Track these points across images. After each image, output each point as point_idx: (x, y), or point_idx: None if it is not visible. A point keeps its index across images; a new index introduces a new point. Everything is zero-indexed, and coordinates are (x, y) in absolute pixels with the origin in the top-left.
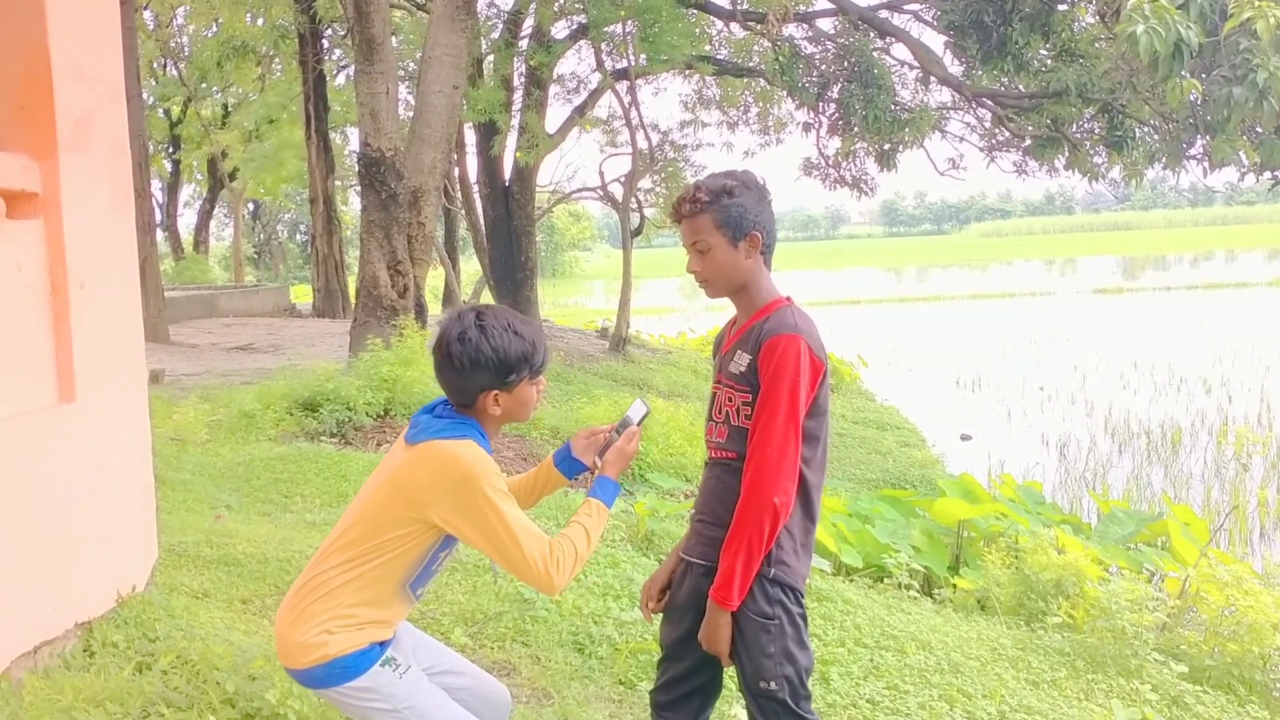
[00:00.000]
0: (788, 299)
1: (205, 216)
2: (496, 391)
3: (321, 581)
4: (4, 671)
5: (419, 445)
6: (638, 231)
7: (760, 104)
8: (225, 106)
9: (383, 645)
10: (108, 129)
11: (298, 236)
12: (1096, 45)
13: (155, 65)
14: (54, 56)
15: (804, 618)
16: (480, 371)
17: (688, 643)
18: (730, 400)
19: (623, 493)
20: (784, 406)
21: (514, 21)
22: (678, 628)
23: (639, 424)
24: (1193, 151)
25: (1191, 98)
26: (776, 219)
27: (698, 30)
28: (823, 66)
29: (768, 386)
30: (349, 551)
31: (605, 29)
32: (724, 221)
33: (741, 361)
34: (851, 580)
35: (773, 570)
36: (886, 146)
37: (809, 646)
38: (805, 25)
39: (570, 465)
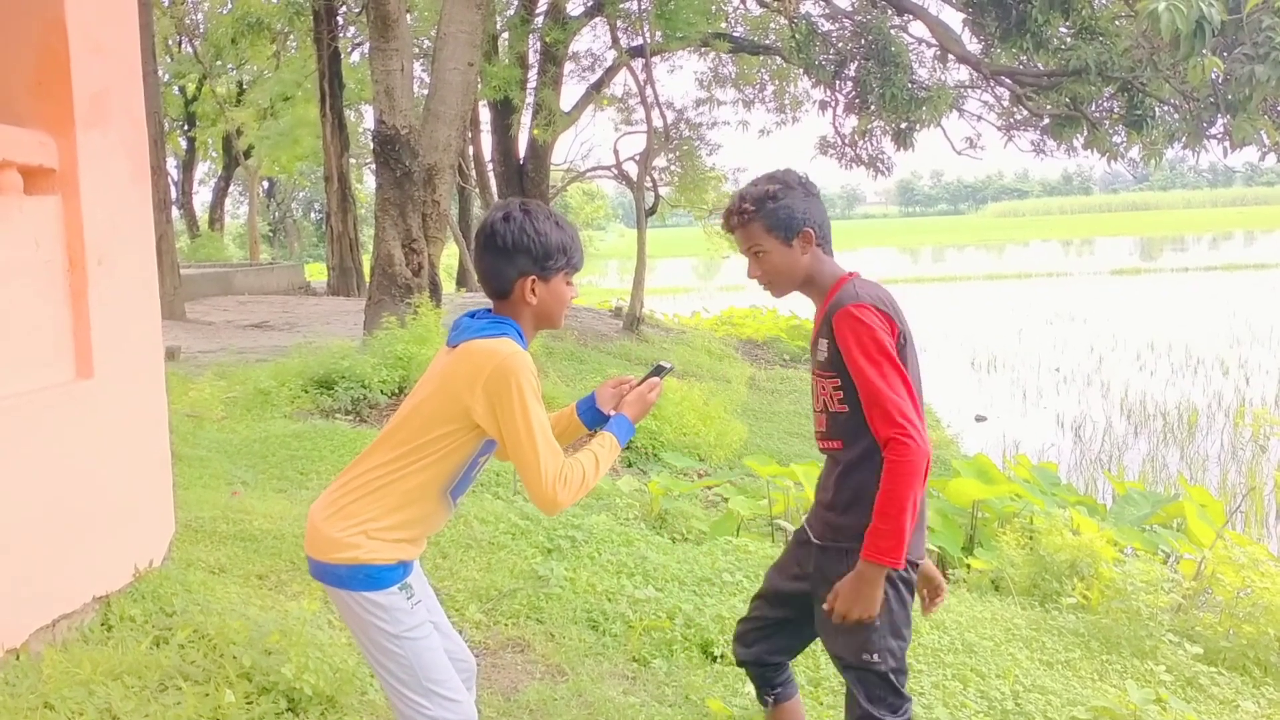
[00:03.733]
0: (853, 273)
1: (220, 194)
2: (535, 278)
3: (367, 480)
4: (23, 644)
5: (460, 346)
6: (652, 210)
7: (776, 82)
8: (240, 84)
9: (406, 567)
10: (125, 105)
11: (312, 214)
12: (1117, 23)
13: (170, 42)
14: (71, 32)
15: (912, 592)
16: (521, 255)
17: (791, 604)
18: (823, 389)
19: (637, 470)
20: (878, 365)
21: None
22: (790, 583)
23: (662, 379)
24: (1213, 131)
25: (1213, 76)
26: None
27: (714, 7)
28: (840, 44)
29: (852, 360)
30: (396, 450)
31: (621, 5)
32: (774, 225)
33: (823, 348)
34: None
35: None
36: (903, 125)
37: (911, 623)
38: (822, 2)
39: (592, 415)
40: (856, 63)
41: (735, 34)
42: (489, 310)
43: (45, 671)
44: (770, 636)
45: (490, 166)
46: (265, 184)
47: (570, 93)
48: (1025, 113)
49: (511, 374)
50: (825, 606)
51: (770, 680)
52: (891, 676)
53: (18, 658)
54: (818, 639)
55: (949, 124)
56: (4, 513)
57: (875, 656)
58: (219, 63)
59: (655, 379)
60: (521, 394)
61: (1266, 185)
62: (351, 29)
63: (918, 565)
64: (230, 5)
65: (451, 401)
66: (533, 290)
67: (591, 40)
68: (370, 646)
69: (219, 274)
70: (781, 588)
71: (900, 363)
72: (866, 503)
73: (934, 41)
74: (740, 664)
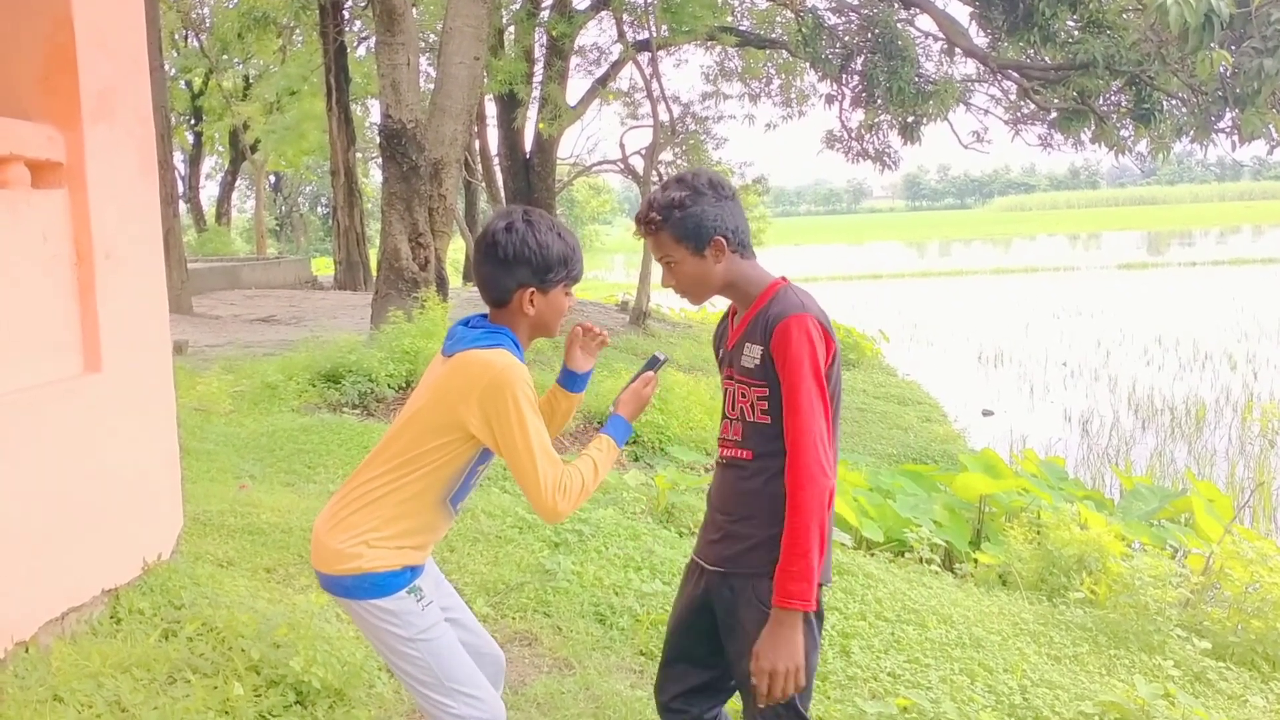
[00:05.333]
0: (783, 279)
1: (227, 188)
2: (534, 289)
3: (365, 491)
4: (32, 637)
5: (455, 356)
6: None
7: (783, 76)
8: (246, 78)
9: (413, 571)
10: (131, 100)
11: (319, 209)
12: (1125, 16)
13: (177, 36)
14: (78, 26)
15: (820, 616)
16: (521, 266)
17: (700, 646)
18: (744, 396)
19: (643, 464)
20: (808, 385)
21: None
22: (690, 631)
23: (656, 372)
24: (1221, 124)
25: (1221, 70)
26: (798, 192)
27: (720, 1)
28: (846, 38)
29: (790, 373)
30: (392, 462)
31: None
32: (682, 235)
33: (753, 354)
34: (872, 554)
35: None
36: (910, 119)
37: (819, 647)
38: None
39: (571, 380)
40: (863, 56)
41: (741, 28)
42: (484, 317)
43: (54, 664)
44: (701, 691)
45: (496, 161)
46: (272, 178)
47: (576, 87)
48: (1032, 106)
49: (507, 386)
50: (750, 668)
51: None
52: (797, 703)
53: (27, 650)
54: None
55: (956, 118)
56: (13, 506)
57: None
58: (225, 57)
59: (649, 373)
60: (518, 406)
61: (1274, 179)
62: (357, 23)
63: (823, 588)
64: (236, 0)
65: (447, 412)
66: (531, 301)
67: (597, 34)
68: (387, 652)
69: (226, 268)
70: (693, 644)
71: (826, 384)
72: (779, 517)
73: (941, 35)
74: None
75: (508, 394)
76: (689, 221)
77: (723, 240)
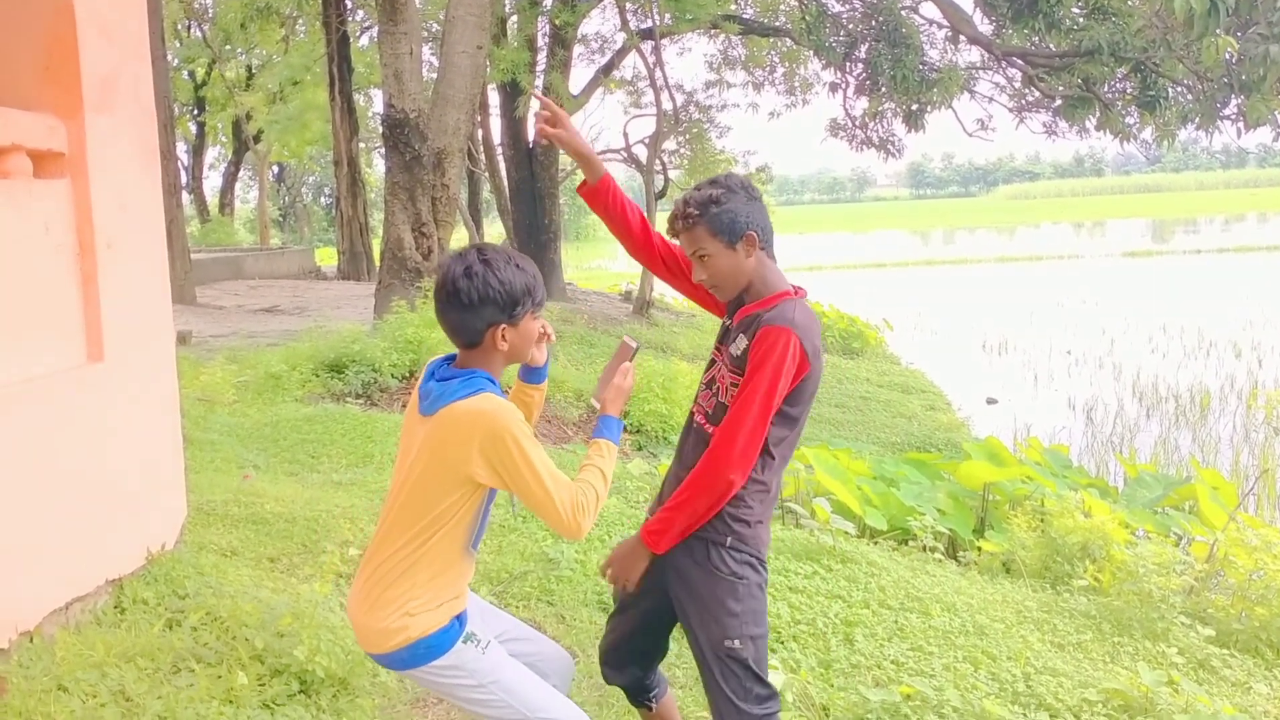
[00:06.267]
0: (795, 290)
1: (230, 179)
2: (504, 326)
3: (390, 567)
4: (37, 627)
5: (439, 413)
6: (662, 194)
7: (786, 64)
8: (249, 68)
9: (460, 620)
10: (133, 90)
11: (322, 199)
12: (1130, 2)
13: (179, 26)
14: (80, 16)
15: (763, 590)
16: (487, 306)
17: (646, 601)
18: (723, 376)
19: (647, 453)
20: (761, 395)
21: None
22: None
23: (631, 360)
24: (1227, 111)
25: (1227, 56)
26: (802, 180)
27: None
28: (850, 25)
29: (751, 372)
30: (409, 532)
31: None
32: (718, 229)
33: (739, 345)
34: (876, 543)
35: (741, 535)
36: (914, 107)
37: (766, 621)
38: None
39: (532, 374)
40: (867, 44)
41: (745, 16)
42: (447, 360)
43: (59, 654)
44: (640, 651)
45: (499, 150)
46: (275, 168)
47: (579, 76)
48: (1037, 94)
49: (504, 430)
50: (602, 566)
51: (647, 689)
52: (753, 664)
53: (31, 640)
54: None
55: (960, 106)
56: (17, 496)
57: (737, 643)
58: (228, 47)
59: (626, 364)
60: (519, 445)
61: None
62: (360, 13)
63: (765, 564)
64: None
65: (450, 472)
66: (503, 337)
67: (600, 23)
68: (466, 704)
69: (229, 258)
70: (640, 598)
71: (796, 392)
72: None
73: (945, 22)
74: (614, 684)
75: (506, 438)
76: (724, 216)
77: (755, 235)
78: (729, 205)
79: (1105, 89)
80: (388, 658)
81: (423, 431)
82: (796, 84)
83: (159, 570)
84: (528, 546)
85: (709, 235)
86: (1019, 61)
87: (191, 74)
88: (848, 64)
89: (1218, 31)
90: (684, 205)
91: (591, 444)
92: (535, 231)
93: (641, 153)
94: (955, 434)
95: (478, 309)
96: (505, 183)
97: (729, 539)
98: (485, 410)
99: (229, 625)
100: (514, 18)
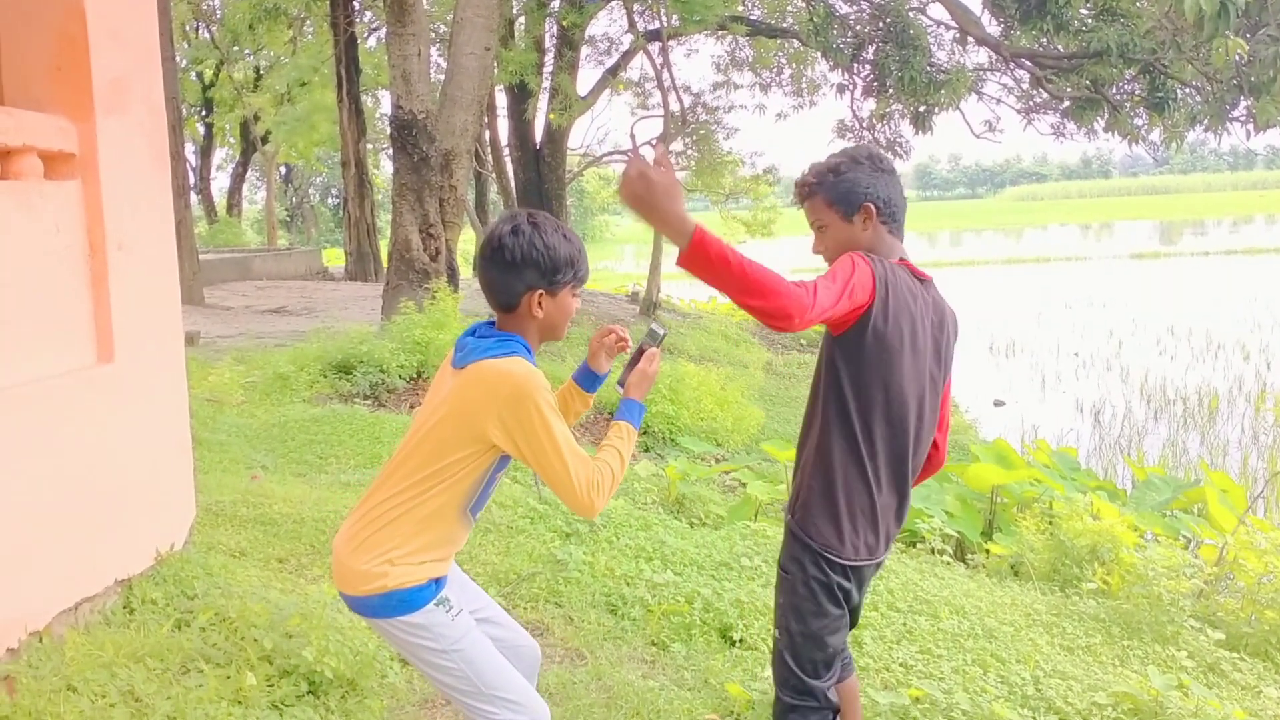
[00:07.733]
0: (902, 260)
1: (238, 180)
2: (542, 292)
3: (385, 510)
4: (46, 627)
5: (469, 367)
6: None
7: (794, 65)
8: (257, 69)
9: (439, 583)
10: (143, 91)
11: (330, 200)
12: (1139, 4)
13: (188, 27)
14: (90, 17)
15: (828, 588)
16: (529, 269)
17: None
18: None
19: (654, 455)
20: (833, 273)
21: None
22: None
23: (658, 346)
24: (1236, 113)
25: (1237, 57)
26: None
27: None
28: (858, 27)
29: (832, 270)
30: (412, 478)
31: None
32: (835, 199)
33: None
34: None
35: (804, 529)
36: (922, 108)
37: (827, 617)
38: None
39: (589, 380)
40: (875, 45)
41: (752, 17)
42: (491, 324)
43: (68, 654)
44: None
45: (507, 151)
46: (283, 169)
47: (587, 77)
48: (1045, 95)
49: (528, 395)
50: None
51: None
52: (789, 659)
53: (40, 640)
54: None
55: (968, 107)
56: (26, 496)
57: (776, 631)
58: (236, 48)
59: (653, 350)
60: (541, 413)
61: None
62: (368, 14)
63: (848, 570)
64: None
65: (466, 426)
66: (540, 304)
67: (608, 24)
68: (424, 666)
69: (237, 259)
70: None
71: (870, 344)
72: (821, 472)
73: (953, 24)
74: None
75: (529, 403)
76: (841, 186)
77: (872, 207)
78: (849, 174)
79: (1114, 90)
80: (359, 601)
81: (450, 384)
82: (804, 85)
83: (168, 571)
84: (536, 548)
85: (825, 205)
86: (1027, 63)
87: (199, 75)
88: (855, 65)
89: (1227, 33)
90: (804, 174)
91: (612, 426)
92: None
93: (649, 154)
94: (963, 436)
95: (519, 269)
96: (512, 184)
97: (793, 523)
98: (514, 373)
99: (238, 626)
100: (522, 19)
